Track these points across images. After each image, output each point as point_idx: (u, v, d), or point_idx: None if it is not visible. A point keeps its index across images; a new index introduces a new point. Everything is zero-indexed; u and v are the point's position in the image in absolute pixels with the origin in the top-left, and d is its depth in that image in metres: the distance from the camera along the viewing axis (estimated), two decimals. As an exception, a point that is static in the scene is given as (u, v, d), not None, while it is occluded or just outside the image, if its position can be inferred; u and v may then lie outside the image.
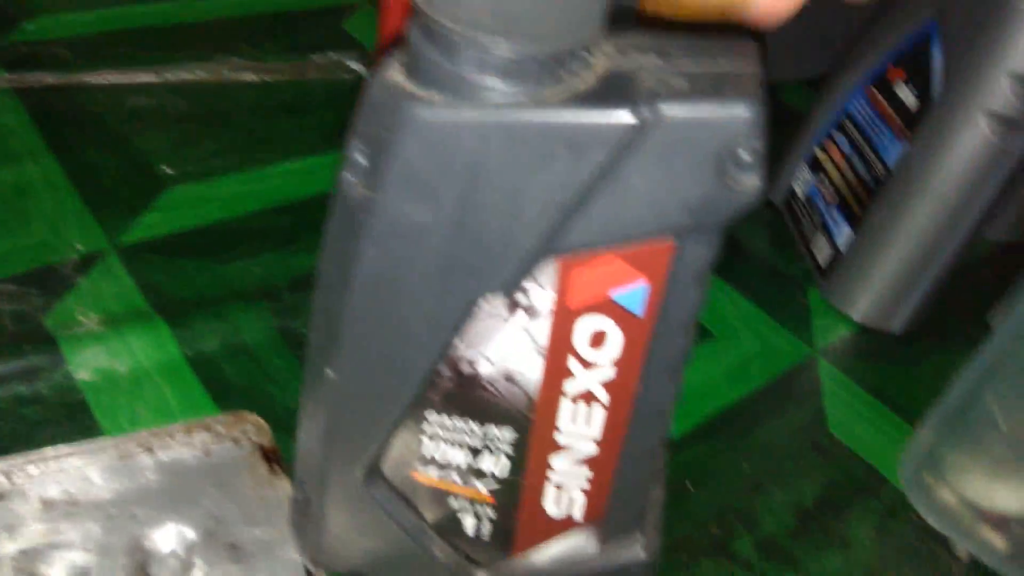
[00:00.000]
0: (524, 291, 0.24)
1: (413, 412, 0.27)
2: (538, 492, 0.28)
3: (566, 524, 0.29)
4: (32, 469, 0.33)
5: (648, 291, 0.24)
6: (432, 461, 0.28)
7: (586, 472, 0.28)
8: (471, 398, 0.26)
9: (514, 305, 0.24)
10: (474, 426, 0.27)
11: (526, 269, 0.23)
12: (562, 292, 0.24)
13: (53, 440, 0.35)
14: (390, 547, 0.30)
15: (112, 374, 0.37)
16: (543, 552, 0.30)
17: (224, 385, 0.38)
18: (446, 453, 0.28)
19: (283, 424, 0.37)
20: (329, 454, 0.28)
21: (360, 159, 0.23)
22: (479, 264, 0.23)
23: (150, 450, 0.34)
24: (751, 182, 0.21)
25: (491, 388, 0.26)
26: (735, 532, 0.37)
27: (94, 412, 0.36)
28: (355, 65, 0.61)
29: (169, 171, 0.49)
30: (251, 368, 0.39)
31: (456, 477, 0.28)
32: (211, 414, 0.37)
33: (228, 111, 0.55)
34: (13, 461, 0.33)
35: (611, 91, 0.21)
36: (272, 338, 0.41)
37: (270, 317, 0.42)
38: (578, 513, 0.29)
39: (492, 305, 0.24)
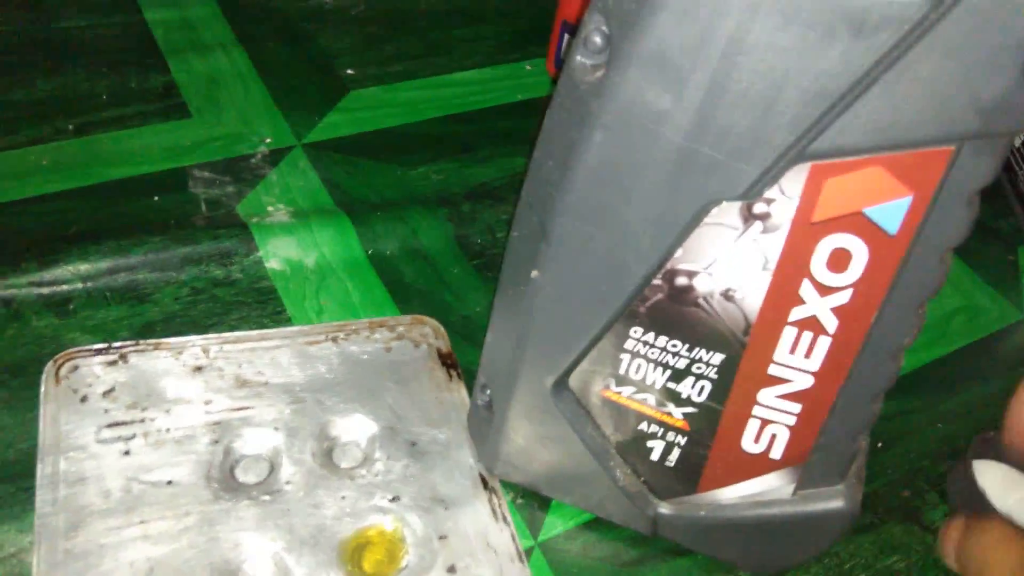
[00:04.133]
0: (765, 199, 0.21)
1: (617, 325, 0.25)
2: (738, 425, 0.26)
3: (763, 463, 0.27)
4: (228, 348, 0.34)
5: (909, 206, 0.21)
6: (628, 379, 0.26)
7: (795, 407, 0.25)
8: (682, 315, 0.24)
9: (750, 215, 0.21)
10: (680, 346, 0.25)
11: (774, 174, 0.20)
12: (808, 203, 0.21)
13: (244, 321, 0.36)
14: (569, 465, 0.29)
15: (299, 265, 0.38)
16: (731, 491, 0.28)
17: (403, 287, 0.38)
18: (645, 372, 0.26)
19: (458, 331, 0.37)
20: (522, 360, 0.27)
21: (597, 38, 0.21)
22: (721, 163, 0.20)
23: (336, 342, 0.35)
24: None
25: (706, 306, 0.24)
26: (927, 499, 0.34)
27: (282, 299, 0.37)
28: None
29: (351, 73, 0.49)
30: (428, 273, 0.39)
31: (651, 399, 0.27)
32: (391, 314, 0.37)
33: (405, 16, 0.54)
34: (210, 339, 0.34)
35: None
36: (450, 245, 0.40)
37: (448, 224, 0.41)
38: (778, 452, 0.27)
39: (724, 212, 0.21)
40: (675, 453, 0.28)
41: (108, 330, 0.34)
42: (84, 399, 0.31)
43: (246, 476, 0.31)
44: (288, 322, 0.36)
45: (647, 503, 0.29)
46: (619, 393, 0.27)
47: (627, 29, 0.20)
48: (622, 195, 0.22)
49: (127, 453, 0.30)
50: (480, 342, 0.37)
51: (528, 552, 0.30)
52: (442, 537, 0.30)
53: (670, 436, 0.27)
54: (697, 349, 0.25)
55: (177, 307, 0.35)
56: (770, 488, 0.28)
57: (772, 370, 0.25)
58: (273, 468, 0.31)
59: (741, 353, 0.25)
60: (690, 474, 0.28)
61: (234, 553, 0.28)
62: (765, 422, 0.26)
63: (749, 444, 0.27)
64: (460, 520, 0.30)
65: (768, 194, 0.21)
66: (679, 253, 0.23)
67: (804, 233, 0.22)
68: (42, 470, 0.29)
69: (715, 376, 0.25)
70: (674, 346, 0.25)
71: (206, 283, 0.37)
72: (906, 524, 0.33)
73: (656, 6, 0.19)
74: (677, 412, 0.27)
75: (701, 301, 0.24)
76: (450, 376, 0.35)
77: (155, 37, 0.49)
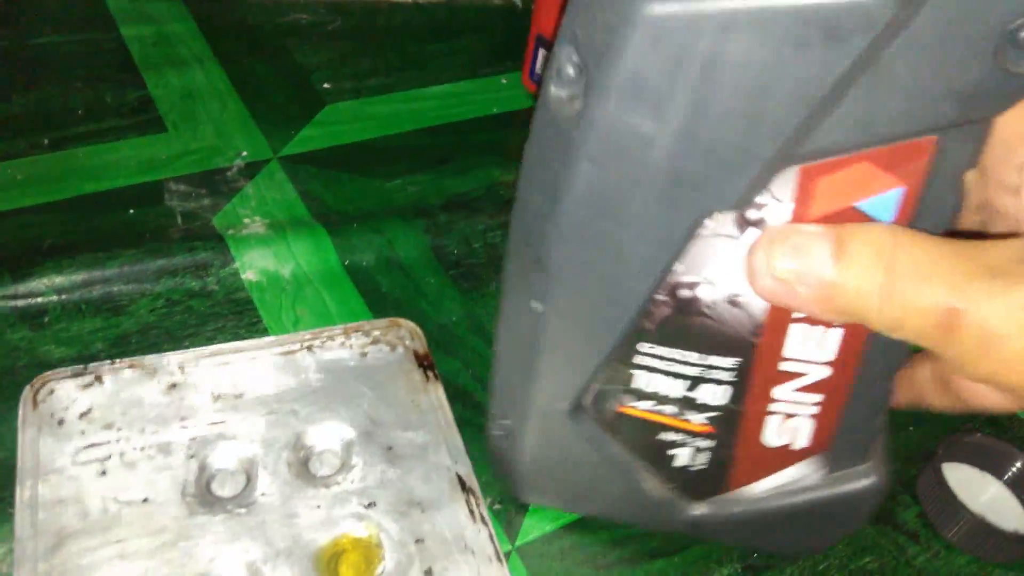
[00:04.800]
0: (757, 206, 0.21)
1: (625, 343, 0.25)
2: (760, 421, 0.26)
3: (790, 454, 0.27)
4: (204, 363, 0.34)
5: (902, 197, 0.21)
6: (644, 393, 0.26)
7: (815, 398, 0.25)
8: (689, 325, 0.24)
9: (745, 222, 0.22)
10: (692, 355, 0.25)
11: (764, 181, 0.21)
12: (802, 204, 0.21)
13: (221, 332, 0.36)
14: (598, 482, 0.29)
15: (276, 276, 0.38)
16: (763, 484, 0.28)
17: (379, 296, 0.38)
18: (660, 385, 0.26)
19: (434, 339, 0.37)
20: (534, 390, 0.27)
21: (570, 69, 0.21)
22: (710, 178, 0.20)
23: (311, 350, 0.35)
24: None
25: (712, 314, 0.24)
26: (899, 501, 0.34)
27: (259, 310, 0.37)
28: (509, -9, 0.59)
29: (328, 87, 0.49)
30: (405, 282, 0.39)
31: (669, 409, 0.26)
32: (367, 319, 0.37)
33: (382, 31, 0.55)
34: (186, 355, 0.34)
35: None
36: (426, 255, 0.41)
37: (424, 235, 0.42)
38: (804, 441, 0.27)
39: (718, 223, 0.22)
40: (701, 457, 0.28)
41: (83, 342, 0.34)
42: (61, 422, 0.31)
43: (222, 490, 0.30)
44: (264, 333, 0.36)
45: (681, 507, 0.29)
46: (636, 408, 0.27)
47: (600, 58, 0.20)
48: (614, 219, 0.22)
49: (103, 473, 0.30)
50: (456, 351, 0.37)
51: (506, 556, 0.30)
52: (419, 540, 0.30)
53: (693, 442, 0.27)
54: (709, 356, 0.25)
55: (152, 318, 0.35)
56: (801, 476, 0.28)
57: (786, 366, 0.25)
58: (249, 480, 0.31)
59: (753, 355, 0.25)
60: (719, 474, 0.28)
61: (210, 567, 0.28)
62: (787, 416, 0.26)
63: (773, 438, 0.27)
64: (437, 523, 0.30)
65: (760, 199, 0.21)
66: (679, 267, 0.23)
67: None
68: (20, 494, 0.29)
69: (731, 380, 0.25)
70: (686, 356, 0.25)
71: (182, 295, 0.37)
72: (879, 525, 0.34)
73: (627, 34, 0.19)
74: (697, 418, 0.27)
75: (707, 310, 0.24)
76: (427, 377, 0.35)
77: (131, 52, 0.49)
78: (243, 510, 0.30)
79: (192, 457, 0.31)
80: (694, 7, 0.19)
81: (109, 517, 0.29)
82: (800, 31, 0.18)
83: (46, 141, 0.42)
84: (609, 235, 0.22)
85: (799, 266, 0.21)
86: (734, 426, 0.26)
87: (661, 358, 0.25)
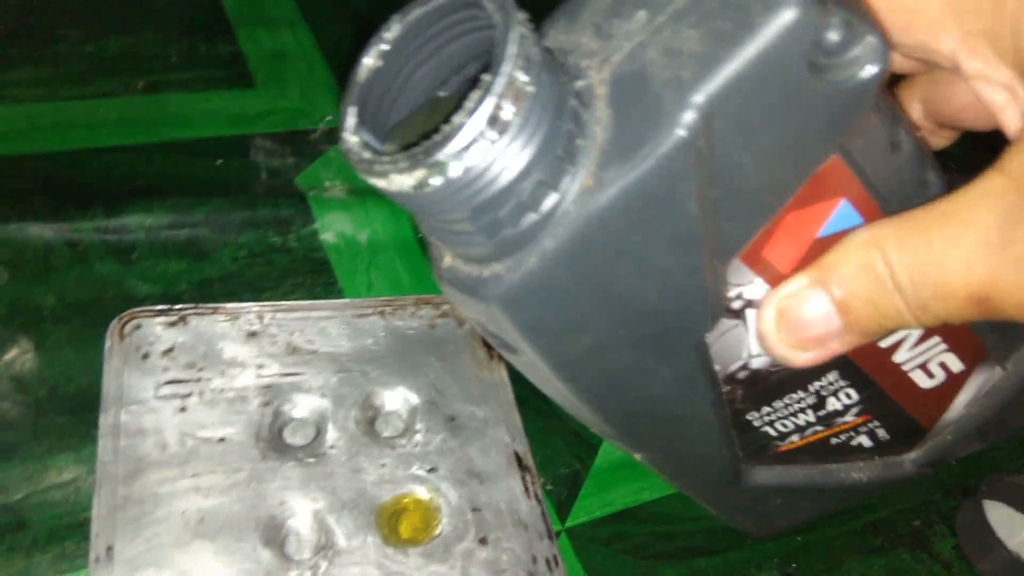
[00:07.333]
0: (733, 298, 0.22)
1: (732, 426, 0.26)
2: (904, 382, 0.26)
3: (955, 378, 0.27)
4: (281, 316, 0.35)
5: (852, 203, 0.21)
6: (785, 434, 0.27)
7: (934, 341, 0.25)
8: (771, 383, 0.25)
9: (734, 312, 0.22)
10: (794, 395, 0.25)
11: (716, 293, 0.21)
12: (767, 272, 0.21)
13: (298, 288, 0.37)
14: (814, 496, 0.30)
15: (352, 240, 0.39)
16: (954, 409, 0.28)
17: (449, 272, 0.39)
18: (791, 423, 0.27)
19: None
20: (695, 492, 0.28)
21: (496, 343, 0.22)
22: (673, 328, 0.21)
23: (383, 316, 0.36)
24: (856, 53, 0.17)
25: (776, 368, 0.24)
26: (937, 531, 0.35)
27: (335, 271, 0.38)
28: None
29: (411, 61, 0.50)
30: (474, 261, 0.40)
31: (817, 428, 0.27)
32: (437, 293, 0.38)
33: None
34: (265, 306, 0.35)
35: (637, 117, 0.18)
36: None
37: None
38: (958, 367, 0.27)
39: (718, 330, 0.22)
40: (881, 432, 0.28)
41: (168, 281, 0.35)
42: (145, 356, 0.32)
43: (293, 438, 0.32)
44: (339, 293, 0.37)
45: (901, 465, 0.29)
46: (791, 442, 0.27)
47: (513, 341, 0.20)
48: (635, 395, 0.23)
49: (183, 410, 0.31)
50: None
51: (555, 536, 0.31)
52: (475, 509, 0.31)
53: (862, 429, 0.28)
54: (811, 385, 0.25)
55: (234, 267, 0.37)
56: (982, 382, 0.28)
57: (886, 343, 0.25)
58: (319, 432, 0.32)
59: (849, 358, 0.25)
60: (908, 429, 0.28)
61: (279, 510, 0.29)
62: (923, 364, 0.26)
63: (927, 382, 0.27)
64: (493, 495, 0.31)
65: (731, 293, 0.22)
66: (718, 367, 0.23)
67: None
68: (104, 420, 0.30)
69: (847, 383, 0.26)
70: (790, 399, 0.26)
71: (263, 248, 0.38)
72: (915, 551, 0.34)
73: (514, 313, 0.19)
74: (847, 417, 0.27)
75: (773, 368, 0.24)
76: (491, 356, 0.36)
77: (224, 8, 0.50)
78: (312, 460, 0.31)
79: (267, 404, 0.32)
80: (538, 264, 0.19)
81: (187, 451, 0.30)
82: (632, 209, 0.18)
83: (140, 84, 0.44)
84: (643, 405, 0.23)
85: (808, 330, 0.20)
86: (885, 401, 0.27)
87: (773, 412, 0.26)
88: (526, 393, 0.35)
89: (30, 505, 0.28)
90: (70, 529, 0.28)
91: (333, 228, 0.39)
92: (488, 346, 0.36)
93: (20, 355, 0.32)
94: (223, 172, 0.40)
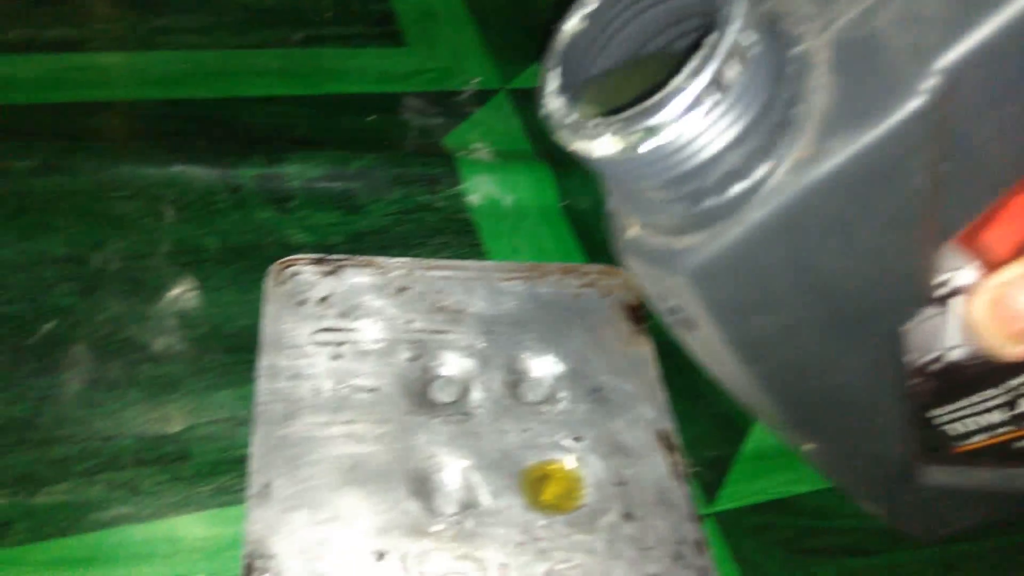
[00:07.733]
0: (940, 284, 0.20)
1: (913, 425, 0.25)
2: None
3: None
4: (431, 274, 0.35)
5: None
6: (967, 434, 0.25)
7: None
8: (964, 379, 0.23)
9: (940, 300, 0.21)
10: (987, 392, 0.24)
11: (927, 278, 0.20)
12: (984, 256, 0.20)
13: (446, 247, 0.37)
14: (978, 502, 0.28)
15: (497, 204, 0.39)
16: None
17: (594, 243, 0.39)
18: (977, 423, 0.25)
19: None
20: (859, 489, 0.28)
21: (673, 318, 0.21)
22: (872, 314, 0.20)
23: (528, 281, 0.36)
24: None
25: (976, 361, 0.23)
26: None
27: (480, 233, 0.38)
28: None
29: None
30: (618, 233, 0.39)
31: (1005, 429, 0.25)
32: (582, 262, 0.37)
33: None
34: (415, 263, 0.35)
35: (867, 84, 0.17)
36: (641, 210, 0.41)
37: (641, 189, 0.41)
38: None
39: (921, 314, 0.21)
40: None
41: (322, 232, 0.36)
42: (301, 303, 0.33)
43: (440, 395, 0.32)
44: (483, 255, 0.37)
45: None
46: (972, 443, 0.26)
47: (698, 322, 0.20)
48: (822, 383, 0.22)
49: (337, 357, 0.31)
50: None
51: (702, 519, 0.30)
52: (621, 483, 0.30)
53: None
54: (1007, 382, 0.23)
55: (385, 222, 0.37)
56: None
57: None
58: (465, 391, 0.32)
59: None
60: None
61: (427, 463, 0.29)
62: None
63: None
64: (639, 471, 0.30)
65: (941, 278, 0.20)
66: (913, 355, 0.22)
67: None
68: (262, 362, 0.31)
69: None
70: (982, 396, 0.24)
71: (413, 205, 0.38)
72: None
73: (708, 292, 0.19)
74: None
75: (971, 361, 0.23)
76: (638, 330, 0.35)
77: (377, -35, 0.50)
78: (459, 417, 0.31)
79: (415, 360, 0.32)
80: (742, 234, 0.18)
81: (340, 398, 0.30)
82: (847, 186, 0.17)
83: (297, 37, 0.44)
84: (830, 392, 0.22)
85: None
86: None
87: (958, 409, 0.24)
88: (672, 372, 0.34)
89: (193, 437, 0.29)
90: (229, 464, 0.29)
91: (479, 190, 0.39)
92: (635, 319, 0.35)
93: (185, 292, 0.33)
94: (375, 128, 0.41)
